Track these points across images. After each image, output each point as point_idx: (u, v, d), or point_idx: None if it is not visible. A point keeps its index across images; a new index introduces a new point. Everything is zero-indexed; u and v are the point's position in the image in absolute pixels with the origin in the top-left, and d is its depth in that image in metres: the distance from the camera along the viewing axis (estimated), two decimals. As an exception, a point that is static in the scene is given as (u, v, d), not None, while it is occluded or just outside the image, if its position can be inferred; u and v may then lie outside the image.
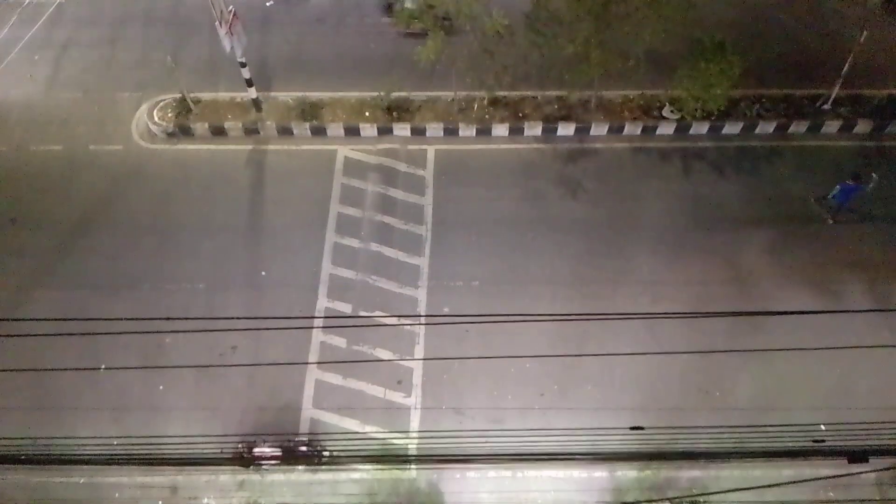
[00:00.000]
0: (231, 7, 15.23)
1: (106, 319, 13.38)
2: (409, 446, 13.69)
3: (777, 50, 18.12)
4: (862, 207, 16.15)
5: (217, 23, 14.98)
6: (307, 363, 14.31)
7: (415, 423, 13.89)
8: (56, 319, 13.71)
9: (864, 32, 16.05)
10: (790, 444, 10.70)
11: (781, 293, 15.21)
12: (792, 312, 14.16)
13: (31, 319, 13.70)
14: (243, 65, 16.22)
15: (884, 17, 15.50)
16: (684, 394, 14.18)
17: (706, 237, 16.02)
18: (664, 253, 15.80)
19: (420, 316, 14.99)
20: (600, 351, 14.15)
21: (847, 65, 16.64)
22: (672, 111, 17.32)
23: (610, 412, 13.78)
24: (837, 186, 15.72)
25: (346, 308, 15.09)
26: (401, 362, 14.47)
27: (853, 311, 14.50)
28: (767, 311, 14.63)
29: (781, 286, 15.33)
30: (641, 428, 10.72)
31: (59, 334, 12.70)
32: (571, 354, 14.07)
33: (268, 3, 17.80)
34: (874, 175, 15.47)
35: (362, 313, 15.00)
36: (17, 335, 12.76)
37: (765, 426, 11.08)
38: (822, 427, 11.77)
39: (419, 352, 14.62)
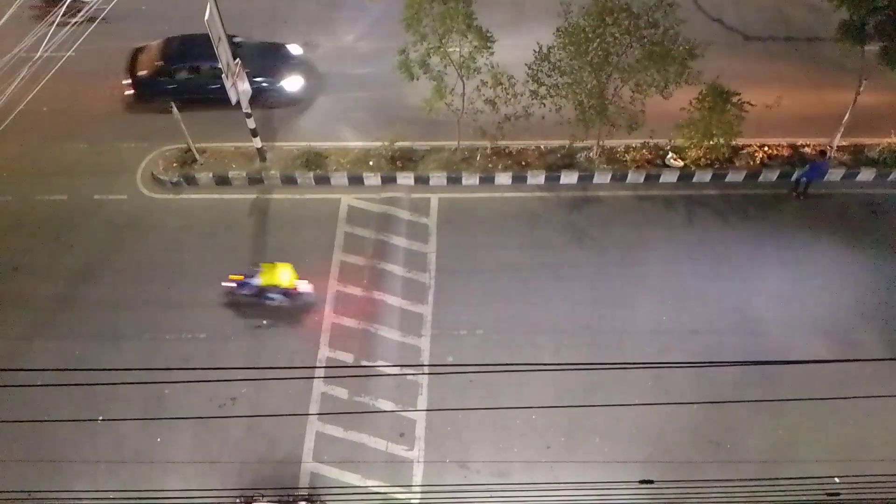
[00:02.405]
0: (237, 60, 15.50)
1: (105, 370, 13.23)
2: (412, 501, 13.31)
3: (779, 99, 18.26)
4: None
5: (224, 75, 15.21)
6: (308, 414, 14.05)
7: (418, 478, 13.54)
8: (55, 370, 13.58)
9: (864, 82, 16.21)
10: (804, 498, 10.42)
11: (792, 342, 14.98)
12: (803, 362, 13.87)
13: (29, 370, 13.58)
14: (248, 115, 16.42)
15: (882, 66, 15.69)
16: (694, 446, 13.84)
17: (713, 285, 15.87)
18: (671, 301, 15.64)
19: (423, 365, 14.78)
20: (607, 402, 13.92)
21: (848, 114, 16.77)
22: (675, 159, 17.39)
23: (618, 465, 13.42)
24: (807, 166, 16.65)
25: (347, 358, 14.89)
26: (403, 413, 14.20)
27: (866, 360, 14.25)
28: (778, 360, 14.37)
29: (792, 335, 15.11)
30: (651, 482, 10.43)
31: (58, 385, 12.58)
32: (578, 405, 13.84)
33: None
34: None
35: (364, 363, 14.79)
36: (16, 385, 12.62)
37: (777, 479, 10.79)
38: (836, 480, 11.46)
39: (422, 403, 14.35)
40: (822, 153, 16.69)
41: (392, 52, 15.88)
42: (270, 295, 14.96)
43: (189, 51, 18.30)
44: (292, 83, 18.49)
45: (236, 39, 17.71)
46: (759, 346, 14.96)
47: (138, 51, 18.93)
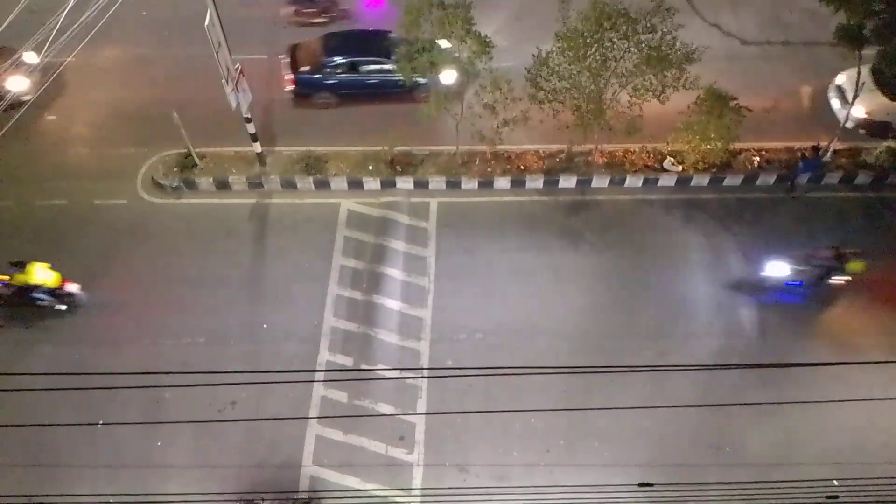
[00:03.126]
0: (237, 65, 15.56)
1: (104, 374, 13.23)
2: (412, 505, 13.33)
3: (776, 103, 18.40)
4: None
5: (223, 80, 15.26)
6: (307, 418, 14.07)
7: (417, 481, 13.55)
8: (54, 374, 13.58)
9: (862, 84, 16.29)
10: (803, 500, 10.42)
11: (791, 345, 15.03)
12: (802, 364, 13.93)
13: (28, 374, 13.59)
14: (248, 120, 16.48)
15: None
16: (694, 449, 13.86)
17: (711, 289, 15.92)
18: (669, 305, 15.67)
19: (423, 369, 14.80)
20: (607, 405, 13.93)
21: (846, 117, 16.84)
22: (673, 163, 17.45)
23: (618, 468, 13.45)
24: (800, 163, 16.73)
25: (347, 361, 14.91)
26: (403, 417, 14.22)
27: (866, 363, 14.25)
28: (777, 363, 14.40)
29: (790, 338, 15.15)
30: (650, 485, 10.45)
31: (57, 389, 12.54)
32: (577, 409, 13.86)
33: None
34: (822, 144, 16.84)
35: (364, 366, 14.81)
36: (15, 390, 12.66)
37: (776, 482, 10.82)
38: (835, 482, 11.47)
39: (422, 406, 14.37)
40: (815, 149, 16.81)
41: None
42: (37, 295, 14.91)
43: (348, 47, 18.41)
44: (447, 76, 16.33)
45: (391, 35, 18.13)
46: (758, 348, 14.99)
47: (295, 47, 19.01)
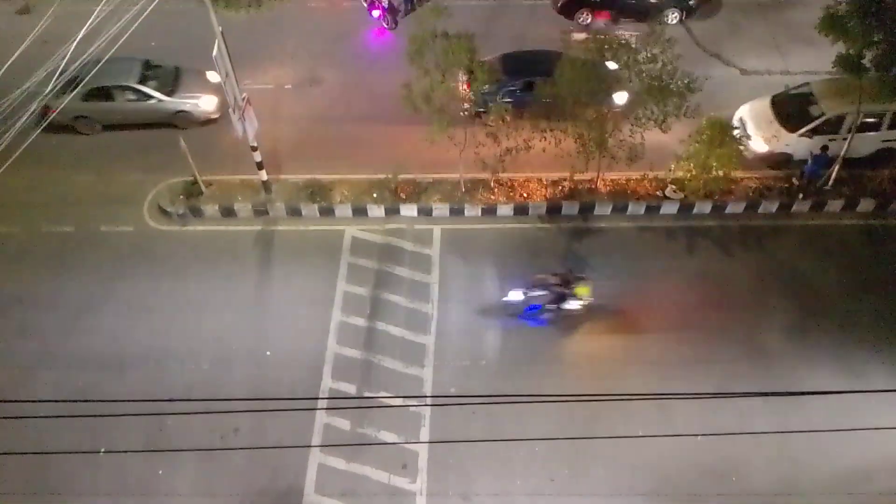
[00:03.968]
0: (244, 94, 15.78)
1: (107, 401, 13.20)
2: (415, 534, 13.19)
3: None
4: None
5: (230, 109, 15.49)
6: (310, 446, 13.99)
7: (420, 510, 13.42)
8: (57, 401, 13.56)
9: (860, 114, 16.43)
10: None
11: (796, 372, 14.95)
12: (808, 393, 13.85)
13: (31, 401, 13.55)
14: (254, 148, 16.67)
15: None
16: (699, 477, 13.73)
17: (715, 315, 15.89)
18: (672, 331, 15.64)
19: (426, 397, 14.74)
20: (611, 432, 13.83)
21: (847, 145, 16.95)
22: (675, 191, 17.54)
23: (623, 498, 13.33)
24: (810, 160, 16.92)
25: (350, 388, 14.87)
26: (406, 445, 14.12)
27: (873, 392, 14.15)
28: (783, 391, 14.32)
29: (795, 365, 15.09)
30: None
31: (60, 416, 12.53)
32: (582, 437, 13.75)
33: None
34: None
35: (367, 394, 14.76)
36: (17, 417, 12.60)
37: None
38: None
39: (425, 434, 14.28)
40: (824, 147, 16.93)
41: (393, 87, 16.14)
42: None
43: (524, 66, 18.92)
44: (620, 97, 17.33)
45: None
46: (763, 376, 14.91)
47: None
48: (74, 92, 17.74)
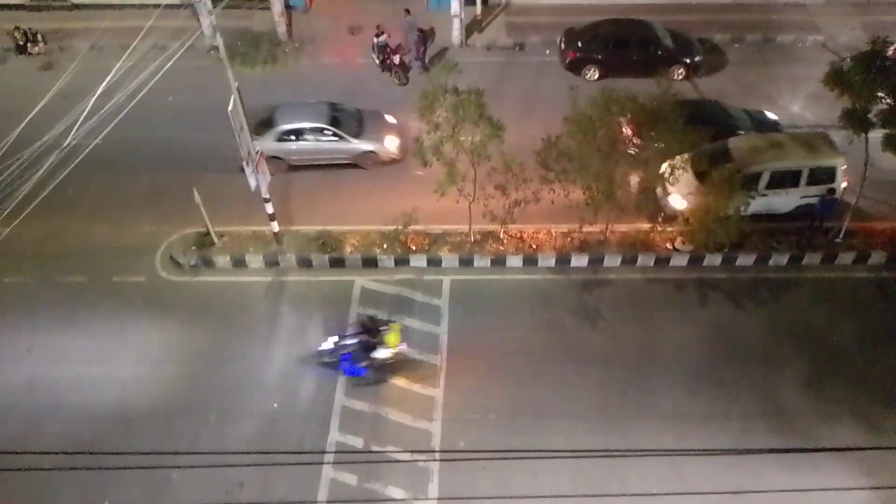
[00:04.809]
0: (258, 148, 16.08)
1: (112, 454, 13.08)
2: None
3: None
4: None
5: (244, 162, 15.76)
6: (316, 502, 13.73)
7: (428, 569, 13.06)
8: (62, 453, 13.43)
9: (869, 166, 16.51)
10: None
11: (812, 429, 14.65)
12: (826, 449, 13.57)
13: (36, 453, 13.44)
14: (267, 200, 16.88)
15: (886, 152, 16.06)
16: (715, 538, 13.32)
17: (727, 369, 15.69)
18: (685, 385, 15.43)
19: (434, 451, 14.50)
20: (624, 489, 13.54)
21: (856, 198, 16.99)
22: (683, 243, 17.55)
23: (636, 558, 12.91)
24: (818, 203, 17.24)
25: (357, 442, 14.67)
26: (414, 502, 13.83)
27: (893, 448, 13.83)
28: (799, 448, 14.02)
29: (812, 421, 14.79)
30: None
31: (65, 468, 12.40)
32: (595, 494, 13.48)
33: None
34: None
35: (374, 448, 14.55)
36: (21, 469, 12.49)
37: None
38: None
39: (433, 490, 14.00)
40: (832, 191, 17.09)
41: (404, 141, 16.42)
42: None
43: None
44: None
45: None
46: (778, 432, 14.61)
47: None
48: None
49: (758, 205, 17.14)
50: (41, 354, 16.15)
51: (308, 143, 19.61)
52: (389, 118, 20.24)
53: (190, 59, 21.91)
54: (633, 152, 17.03)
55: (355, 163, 19.88)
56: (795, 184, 17.45)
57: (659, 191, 18.03)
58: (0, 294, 17.32)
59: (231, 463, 12.97)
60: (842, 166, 17.35)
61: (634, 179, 17.50)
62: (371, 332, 15.06)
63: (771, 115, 19.73)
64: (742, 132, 19.16)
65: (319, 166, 19.86)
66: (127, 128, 17.84)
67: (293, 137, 19.53)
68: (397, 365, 15.74)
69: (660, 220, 17.61)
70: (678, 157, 16.46)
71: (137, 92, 16.85)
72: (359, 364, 15.22)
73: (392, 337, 14.99)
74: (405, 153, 19.47)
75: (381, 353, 15.08)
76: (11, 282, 17.57)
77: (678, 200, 17.58)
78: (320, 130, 19.52)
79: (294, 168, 19.86)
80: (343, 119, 19.81)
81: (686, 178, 17.14)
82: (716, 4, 25.74)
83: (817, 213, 17.46)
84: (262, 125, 19.43)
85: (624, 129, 17.19)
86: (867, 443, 14.23)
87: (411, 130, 16.16)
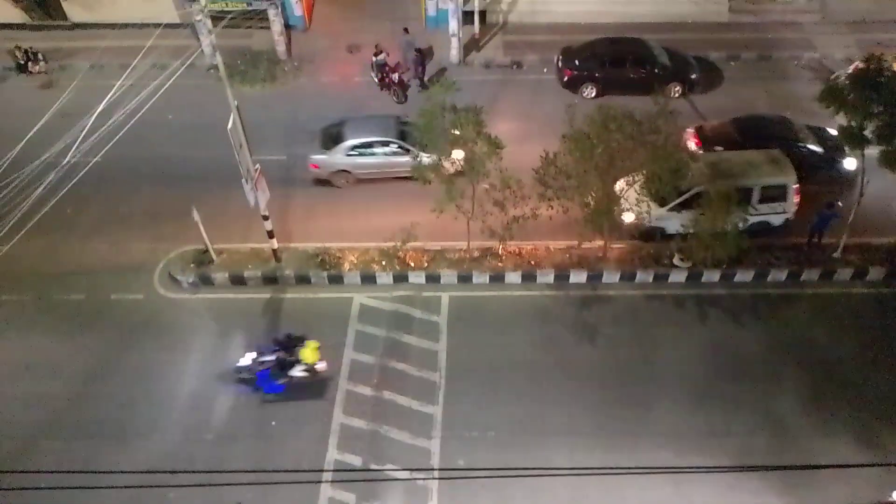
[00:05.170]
0: (257, 165, 16.14)
1: (109, 472, 12.98)
2: None
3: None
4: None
5: (243, 179, 15.81)
6: (314, 521, 13.62)
7: (427, 589, 12.92)
8: (59, 472, 13.33)
9: (866, 181, 16.58)
10: None
11: (813, 445, 14.59)
12: (828, 466, 13.49)
13: (33, 472, 13.33)
14: (266, 217, 16.91)
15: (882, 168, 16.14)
16: (717, 556, 13.21)
17: (728, 385, 15.64)
18: (685, 402, 15.37)
19: (433, 469, 14.41)
20: (624, 507, 13.43)
21: (853, 214, 17.04)
22: (682, 259, 17.57)
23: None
24: (815, 216, 17.16)
25: (356, 461, 14.57)
26: (413, 520, 13.74)
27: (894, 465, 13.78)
28: (800, 464, 13.93)
29: (812, 437, 14.72)
30: None
31: (61, 488, 12.30)
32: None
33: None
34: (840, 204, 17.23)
35: (373, 466, 14.45)
36: (18, 489, 12.39)
37: None
38: None
39: (432, 508, 13.91)
40: (830, 205, 17.20)
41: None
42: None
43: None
44: (850, 162, 18.75)
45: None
46: (779, 448, 14.54)
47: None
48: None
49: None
50: (39, 372, 16.07)
51: (376, 158, 19.80)
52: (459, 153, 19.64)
53: (190, 77, 22.00)
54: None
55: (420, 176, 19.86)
56: (748, 201, 17.32)
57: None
58: (-2, 312, 17.30)
59: (228, 482, 12.85)
60: (793, 184, 17.39)
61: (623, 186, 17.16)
62: (287, 348, 15.02)
63: (832, 131, 19.50)
64: (810, 148, 19.10)
65: (384, 180, 20.01)
66: (126, 146, 17.84)
67: (362, 151, 19.71)
68: (399, 383, 15.70)
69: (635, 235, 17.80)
70: (632, 174, 16.54)
71: (137, 110, 16.91)
72: (277, 381, 15.16)
73: (308, 353, 14.95)
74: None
75: (297, 371, 15.04)
76: (9, 299, 17.54)
77: (630, 216, 17.33)
78: (388, 144, 19.71)
79: (360, 181, 20.02)
80: (410, 132, 19.65)
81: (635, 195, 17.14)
82: (711, 23, 25.98)
83: (815, 229, 17.49)
84: (331, 140, 19.71)
85: (688, 142, 17.08)
86: (867, 459, 14.15)
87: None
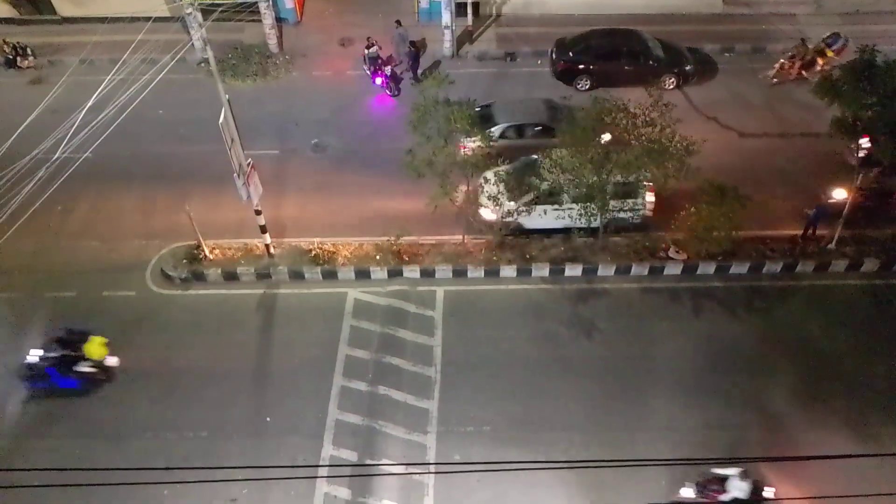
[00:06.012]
0: (249, 160, 16.03)
1: (103, 469, 12.92)
2: None
3: (778, 193, 18.63)
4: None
5: (235, 174, 15.69)
6: (310, 517, 13.59)
7: (424, 585, 12.92)
8: (53, 469, 13.26)
9: (860, 176, 16.57)
10: None
11: (808, 436, 14.60)
12: (821, 457, 13.50)
13: (27, 469, 13.26)
14: (258, 212, 16.81)
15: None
16: (713, 549, 13.23)
17: (723, 378, 15.64)
18: (680, 395, 15.37)
19: (429, 464, 14.38)
20: (620, 501, 13.44)
21: (847, 206, 17.04)
22: (677, 252, 17.55)
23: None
24: (814, 210, 17.26)
25: (351, 456, 14.53)
26: (409, 515, 13.72)
27: (889, 455, 13.79)
28: (794, 455, 13.96)
29: (807, 429, 14.75)
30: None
31: (56, 485, 12.26)
32: (589, 506, 13.38)
33: None
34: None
35: (368, 461, 14.42)
36: (13, 486, 12.31)
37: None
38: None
39: None
40: (828, 199, 17.15)
41: (396, 153, 16.39)
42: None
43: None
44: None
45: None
46: (773, 441, 14.57)
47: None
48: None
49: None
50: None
51: (523, 141, 19.61)
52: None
53: (180, 72, 21.96)
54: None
55: None
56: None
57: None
58: (-11, 309, 17.16)
59: (223, 478, 12.80)
60: (645, 182, 17.12)
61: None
62: (69, 344, 14.94)
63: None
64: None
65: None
66: (117, 142, 17.78)
67: (515, 134, 19.71)
68: (394, 378, 15.66)
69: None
70: (490, 171, 16.69)
71: (127, 105, 16.80)
72: (68, 376, 15.09)
73: (93, 348, 14.89)
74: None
75: (83, 367, 14.99)
76: (1, 297, 17.39)
77: (487, 212, 17.65)
78: (540, 126, 19.68)
79: None
80: (560, 118, 19.57)
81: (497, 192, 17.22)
82: (706, 14, 25.90)
83: (813, 220, 17.48)
84: (482, 121, 19.09)
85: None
86: (862, 449, 14.19)
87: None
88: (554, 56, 23.38)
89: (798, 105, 21.53)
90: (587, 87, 22.69)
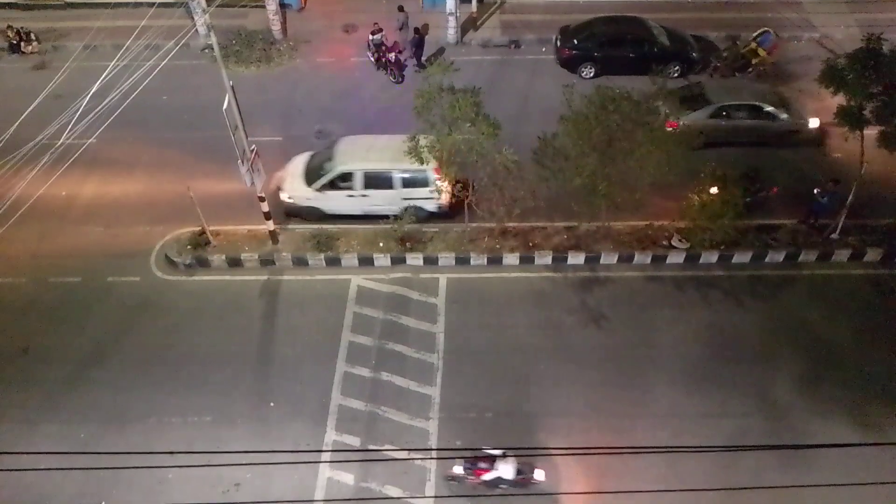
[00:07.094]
0: (253, 146, 16.04)
1: (107, 454, 13.04)
2: None
3: (781, 182, 18.59)
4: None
5: (239, 160, 15.71)
6: (313, 501, 13.69)
7: (426, 569, 13.04)
8: (58, 453, 13.39)
9: (864, 165, 16.53)
10: None
11: (809, 425, 14.65)
12: (823, 446, 13.58)
13: (32, 453, 13.40)
14: (262, 199, 16.84)
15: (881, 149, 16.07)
16: (713, 535, 13.33)
17: (725, 367, 15.69)
18: (682, 383, 15.43)
19: (431, 450, 14.48)
20: (620, 487, 13.52)
21: (851, 195, 17.01)
22: (680, 240, 17.56)
23: (634, 556, 12.91)
24: (821, 194, 17.24)
25: (354, 441, 14.64)
26: (411, 500, 13.82)
27: (889, 444, 13.85)
28: (797, 444, 14.03)
29: (809, 418, 14.80)
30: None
31: (61, 469, 12.38)
32: (591, 492, 13.46)
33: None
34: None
35: (371, 447, 14.53)
36: (18, 469, 12.45)
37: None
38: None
39: (430, 489, 13.98)
40: (836, 182, 17.16)
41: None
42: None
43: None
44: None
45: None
46: (775, 429, 14.63)
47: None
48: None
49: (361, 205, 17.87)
50: (36, 355, 16.05)
51: (738, 122, 19.81)
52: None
53: (184, 58, 21.92)
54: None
55: (770, 141, 19.95)
56: (390, 186, 17.63)
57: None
58: (-6, 295, 17.25)
59: (227, 462, 12.92)
60: (431, 171, 17.16)
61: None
62: None
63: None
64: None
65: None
66: (121, 127, 17.79)
67: (727, 114, 19.79)
68: (397, 365, 15.74)
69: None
70: (303, 155, 17.57)
71: (131, 91, 16.79)
72: None
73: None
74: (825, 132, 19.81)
75: None
76: (5, 282, 17.48)
77: (285, 196, 18.17)
78: (754, 108, 19.75)
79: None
80: (772, 100, 19.86)
81: (296, 176, 18.15)
82: (711, 2, 25.81)
83: (817, 209, 17.45)
84: (691, 100, 19.64)
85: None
86: (863, 439, 14.24)
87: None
88: (558, 43, 23.30)
89: (804, 93, 21.41)
90: (591, 74, 22.61)
